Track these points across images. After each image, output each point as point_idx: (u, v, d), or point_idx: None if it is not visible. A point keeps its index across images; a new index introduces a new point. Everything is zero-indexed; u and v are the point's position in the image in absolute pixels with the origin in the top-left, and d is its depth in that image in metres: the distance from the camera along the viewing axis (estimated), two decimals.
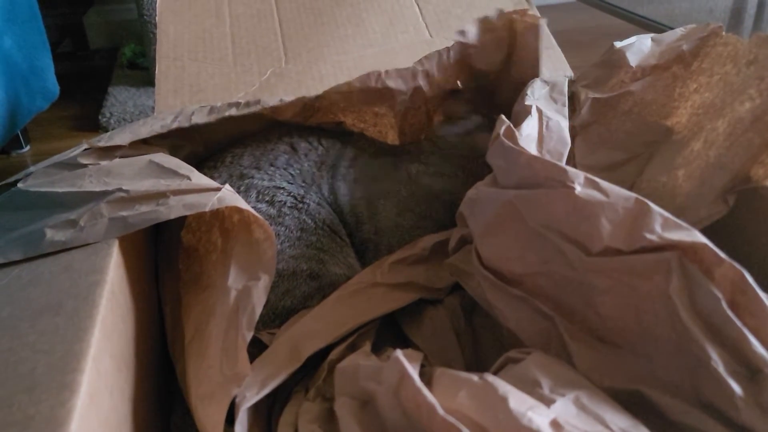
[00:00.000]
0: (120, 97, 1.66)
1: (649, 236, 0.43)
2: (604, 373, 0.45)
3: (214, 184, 0.60)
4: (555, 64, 0.88)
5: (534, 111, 0.59)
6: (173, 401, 0.63)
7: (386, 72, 0.73)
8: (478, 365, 0.62)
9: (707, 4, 1.85)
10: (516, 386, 0.42)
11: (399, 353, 0.46)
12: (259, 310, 0.51)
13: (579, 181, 0.47)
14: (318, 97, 0.79)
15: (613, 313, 0.46)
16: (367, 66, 0.93)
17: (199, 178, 0.61)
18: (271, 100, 0.79)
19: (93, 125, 1.64)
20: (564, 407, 0.41)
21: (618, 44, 0.76)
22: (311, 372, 0.58)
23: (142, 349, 0.58)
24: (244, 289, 0.53)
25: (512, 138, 0.53)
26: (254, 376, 0.52)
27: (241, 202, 0.57)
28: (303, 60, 0.94)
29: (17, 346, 0.46)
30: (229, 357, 0.51)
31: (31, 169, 0.68)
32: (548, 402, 0.41)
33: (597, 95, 0.75)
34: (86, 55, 2.13)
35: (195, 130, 0.79)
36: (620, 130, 0.75)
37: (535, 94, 0.65)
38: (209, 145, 0.85)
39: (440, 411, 0.39)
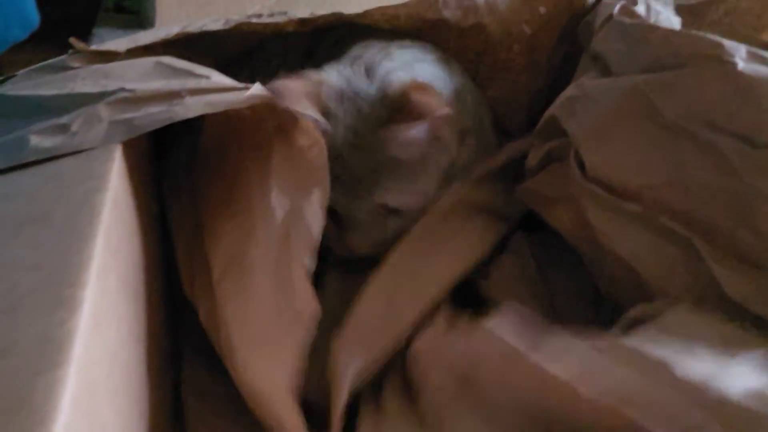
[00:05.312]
0: (107, 38, 1.51)
1: None
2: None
3: (239, 84, 0.47)
4: None
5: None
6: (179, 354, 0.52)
7: (444, 0, 0.61)
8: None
9: None
10: None
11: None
12: (318, 231, 0.40)
13: (740, 54, 0.36)
14: (358, 16, 0.66)
15: None
16: None
17: (222, 78, 0.49)
18: (300, 12, 0.66)
19: None
20: (753, 364, 0.30)
21: None
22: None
23: (152, 281, 0.46)
24: (294, 209, 0.42)
25: (633, 15, 0.42)
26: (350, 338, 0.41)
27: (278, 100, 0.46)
28: None
29: None
30: (285, 291, 0.39)
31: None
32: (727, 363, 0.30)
33: (682, 1, 0.63)
34: (68, 0, 1.96)
35: (206, 43, 0.66)
36: None
37: None
38: (221, 64, 0.72)
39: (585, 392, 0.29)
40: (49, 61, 0.58)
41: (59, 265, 0.33)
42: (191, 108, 0.44)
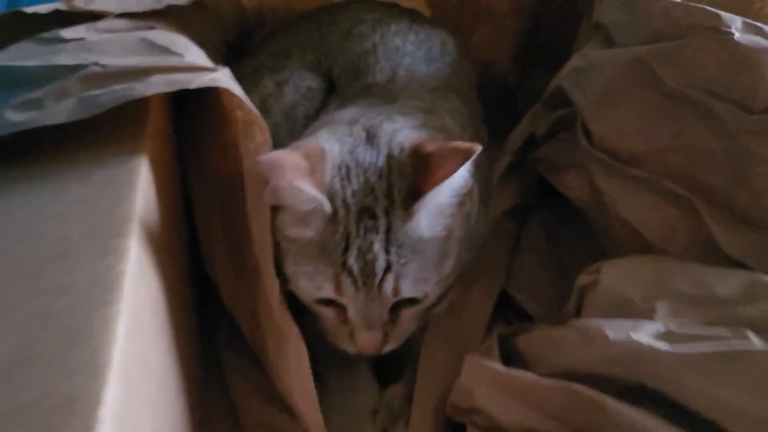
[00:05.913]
0: None
1: None
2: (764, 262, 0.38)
3: (209, 64, 0.47)
4: None
5: None
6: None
7: None
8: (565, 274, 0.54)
9: None
10: (610, 315, 0.38)
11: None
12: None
13: (736, 25, 0.38)
14: None
15: None
16: None
17: (195, 57, 0.48)
18: None
19: None
20: (668, 307, 0.36)
21: None
22: None
23: (182, 238, 0.50)
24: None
25: None
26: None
27: (236, 88, 0.45)
28: None
29: (40, 217, 0.38)
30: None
31: None
32: (649, 314, 0.36)
33: None
34: None
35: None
36: None
37: None
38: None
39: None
40: (45, 33, 0.57)
41: (103, 218, 0.36)
42: (152, 86, 0.44)
